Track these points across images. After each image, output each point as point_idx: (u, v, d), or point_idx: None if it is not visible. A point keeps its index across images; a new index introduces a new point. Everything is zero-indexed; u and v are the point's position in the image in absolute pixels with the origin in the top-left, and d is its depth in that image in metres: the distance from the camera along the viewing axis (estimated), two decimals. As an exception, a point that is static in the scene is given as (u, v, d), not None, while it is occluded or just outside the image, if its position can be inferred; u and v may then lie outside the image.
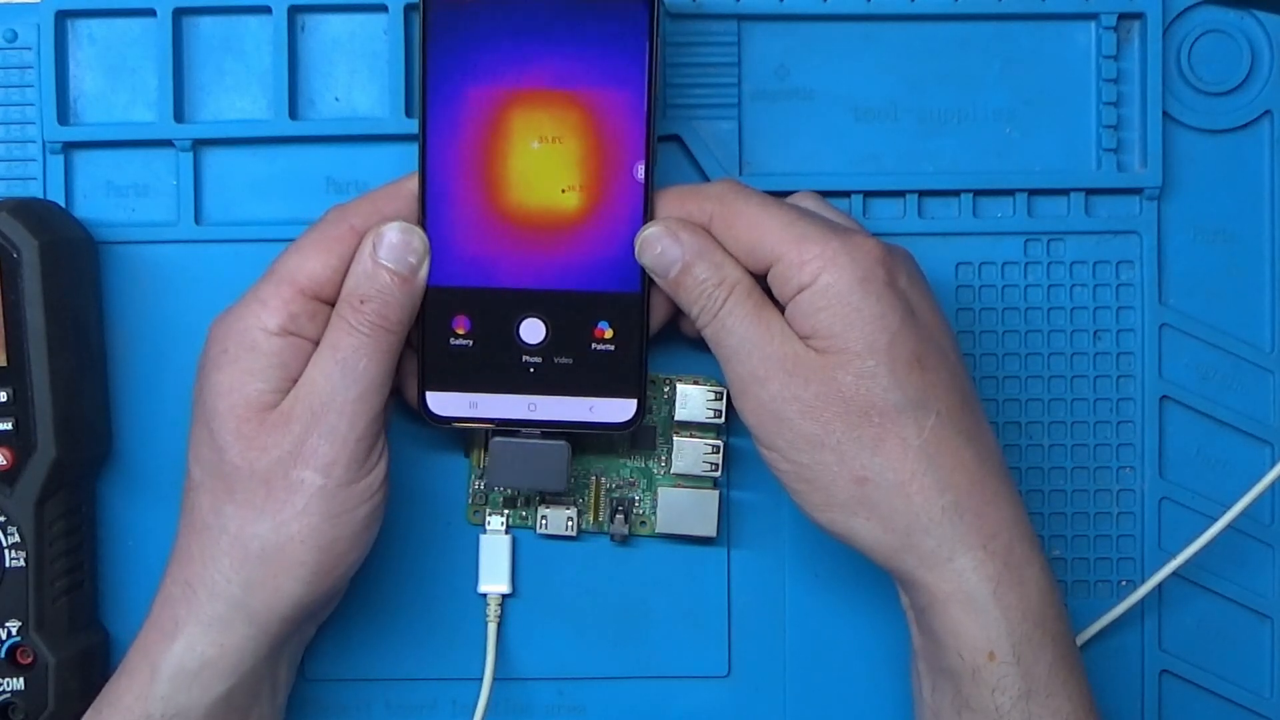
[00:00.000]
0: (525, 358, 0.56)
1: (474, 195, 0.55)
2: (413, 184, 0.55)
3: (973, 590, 0.52)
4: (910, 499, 0.52)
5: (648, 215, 0.55)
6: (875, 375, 0.52)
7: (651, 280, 0.55)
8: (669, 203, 0.55)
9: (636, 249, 0.55)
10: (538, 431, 0.57)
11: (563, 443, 0.57)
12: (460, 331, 0.56)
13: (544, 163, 0.55)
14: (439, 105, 0.55)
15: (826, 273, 0.52)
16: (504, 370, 0.56)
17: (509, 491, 0.61)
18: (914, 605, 0.54)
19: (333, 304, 0.54)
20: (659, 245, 0.54)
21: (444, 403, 0.57)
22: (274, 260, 0.55)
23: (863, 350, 0.52)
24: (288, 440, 0.53)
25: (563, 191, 0.55)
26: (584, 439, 0.60)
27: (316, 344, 0.54)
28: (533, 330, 0.56)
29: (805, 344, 0.53)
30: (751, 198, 0.55)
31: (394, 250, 0.54)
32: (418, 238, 0.55)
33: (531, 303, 0.56)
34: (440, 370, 0.57)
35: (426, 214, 0.55)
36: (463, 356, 0.56)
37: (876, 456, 0.52)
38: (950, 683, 0.53)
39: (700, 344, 0.56)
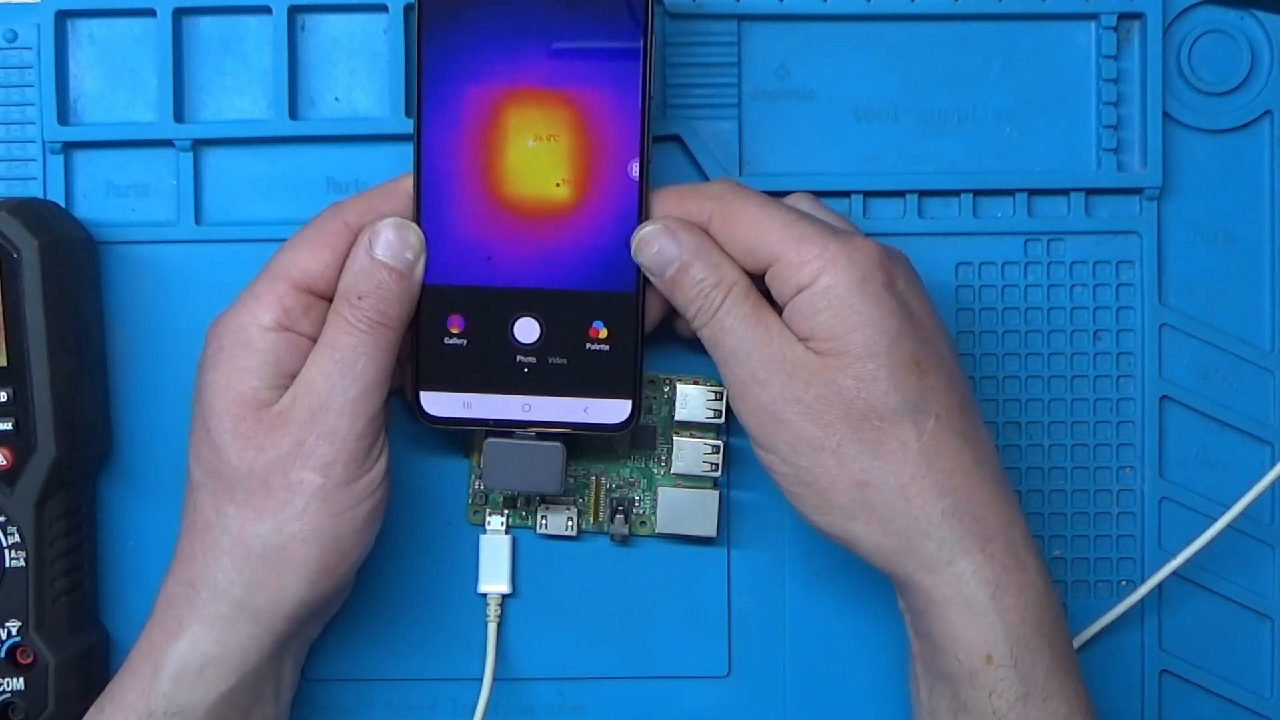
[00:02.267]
0: (519, 357, 0.56)
1: (469, 193, 0.55)
2: (408, 183, 0.55)
3: (971, 594, 0.52)
4: (910, 502, 0.52)
5: (643, 214, 0.55)
6: (875, 378, 0.52)
7: (647, 280, 0.55)
8: (667, 202, 0.55)
9: (633, 248, 0.55)
10: (533, 433, 0.57)
11: (558, 444, 0.57)
12: (454, 331, 0.56)
13: (539, 161, 0.55)
14: (434, 104, 0.55)
15: (826, 274, 0.52)
16: (498, 370, 0.56)
17: (508, 491, 0.61)
18: (911, 608, 0.54)
19: (328, 299, 0.54)
20: (656, 244, 0.54)
21: (438, 403, 0.57)
22: (269, 258, 0.55)
23: (862, 353, 0.52)
24: (286, 441, 0.53)
25: (557, 186, 0.55)
26: (582, 439, 0.60)
27: (312, 341, 0.54)
28: (527, 330, 0.56)
29: (804, 346, 0.53)
30: (750, 198, 0.54)
31: (390, 246, 0.54)
32: (413, 233, 0.55)
33: (526, 302, 0.56)
34: (434, 370, 0.56)
35: (421, 212, 0.55)
36: (457, 356, 0.56)
37: (876, 460, 0.52)
38: (948, 685, 0.53)
39: (699, 344, 0.56)
